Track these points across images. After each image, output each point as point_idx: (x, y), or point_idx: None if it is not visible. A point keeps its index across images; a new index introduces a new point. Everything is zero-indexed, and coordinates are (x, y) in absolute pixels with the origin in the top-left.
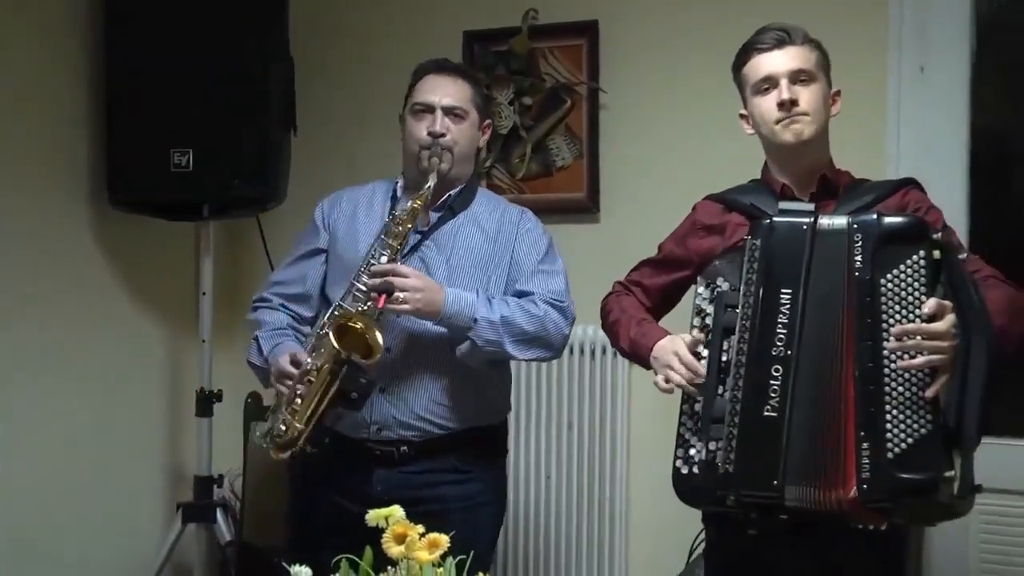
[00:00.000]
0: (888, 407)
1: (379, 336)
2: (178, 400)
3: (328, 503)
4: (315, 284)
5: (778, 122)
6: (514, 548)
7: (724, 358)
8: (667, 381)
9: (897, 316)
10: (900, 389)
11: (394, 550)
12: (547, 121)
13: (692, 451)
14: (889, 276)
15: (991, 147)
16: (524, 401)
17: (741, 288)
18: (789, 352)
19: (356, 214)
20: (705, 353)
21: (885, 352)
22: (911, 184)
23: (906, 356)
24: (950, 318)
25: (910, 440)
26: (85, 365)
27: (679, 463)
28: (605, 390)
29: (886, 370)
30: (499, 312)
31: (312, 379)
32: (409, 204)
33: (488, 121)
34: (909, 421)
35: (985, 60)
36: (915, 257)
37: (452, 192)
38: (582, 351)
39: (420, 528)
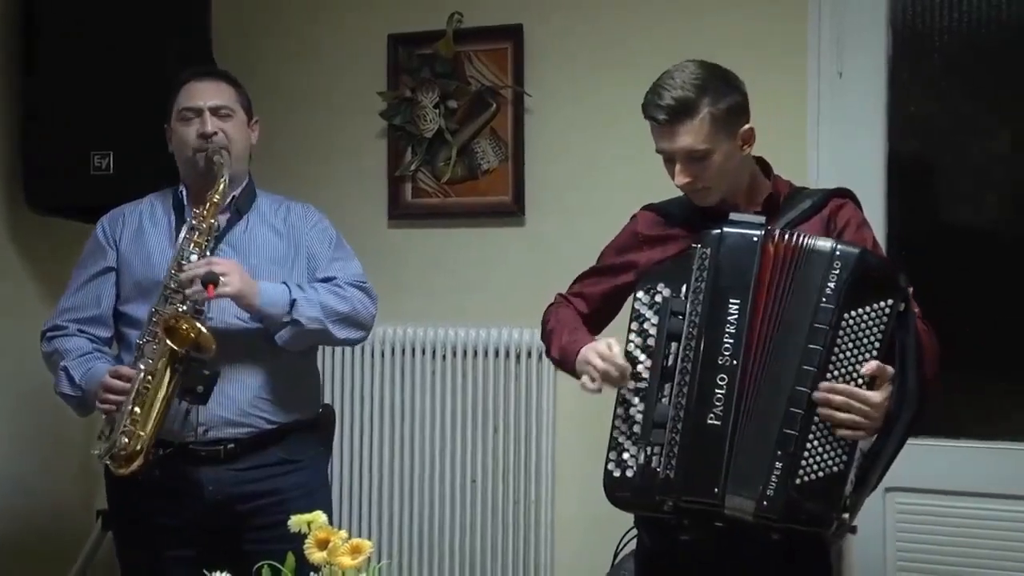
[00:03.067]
0: (811, 436)
1: (204, 329)
2: None
3: (155, 510)
4: (109, 304)
5: (682, 188)
6: (440, 551)
7: (668, 364)
8: (593, 381)
9: (848, 354)
10: (827, 424)
11: (316, 556)
12: (472, 124)
13: (626, 455)
14: (854, 313)
15: (908, 150)
16: (450, 405)
17: (688, 296)
18: (735, 362)
19: (142, 228)
20: (643, 358)
21: (824, 383)
22: (845, 196)
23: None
24: (887, 388)
25: (820, 473)
26: (1, 369)
27: (611, 466)
28: (531, 393)
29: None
30: (312, 296)
31: (148, 385)
32: (207, 202)
33: (256, 119)
34: (826, 456)
35: (901, 66)
36: (882, 304)
37: (234, 193)
38: (507, 355)
39: (343, 533)
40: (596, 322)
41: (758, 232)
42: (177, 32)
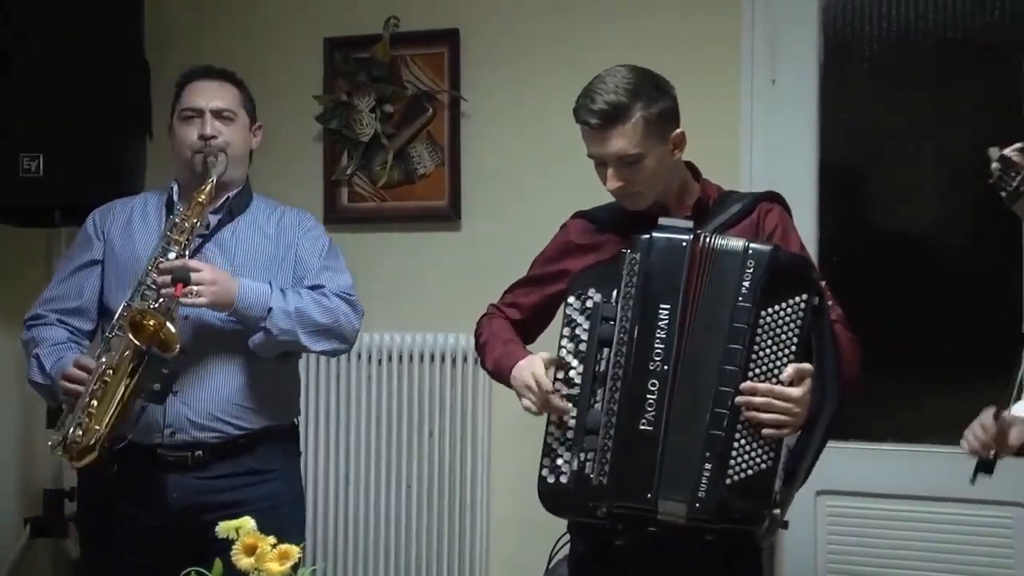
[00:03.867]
0: (738, 435)
1: (172, 327)
2: (29, 412)
3: (122, 515)
4: (92, 296)
5: (614, 193)
6: (375, 556)
7: (599, 369)
8: (532, 404)
9: (768, 351)
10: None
11: (243, 562)
12: (409, 129)
13: (560, 461)
14: (770, 310)
15: (839, 156)
16: (385, 410)
17: (619, 302)
18: (666, 367)
19: (131, 223)
20: (575, 364)
21: (745, 384)
22: (774, 200)
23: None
24: (807, 383)
25: (749, 471)
26: None
27: (545, 472)
28: (466, 398)
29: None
30: (293, 303)
31: (108, 379)
32: (192, 200)
33: (259, 124)
34: (753, 454)
35: (832, 73)
36: (797, 299)
37: (229, 195)
38: (443, 359)
39: (272, 539)
40: (530, 331)
41: (687, 237)
42: (109, 35)
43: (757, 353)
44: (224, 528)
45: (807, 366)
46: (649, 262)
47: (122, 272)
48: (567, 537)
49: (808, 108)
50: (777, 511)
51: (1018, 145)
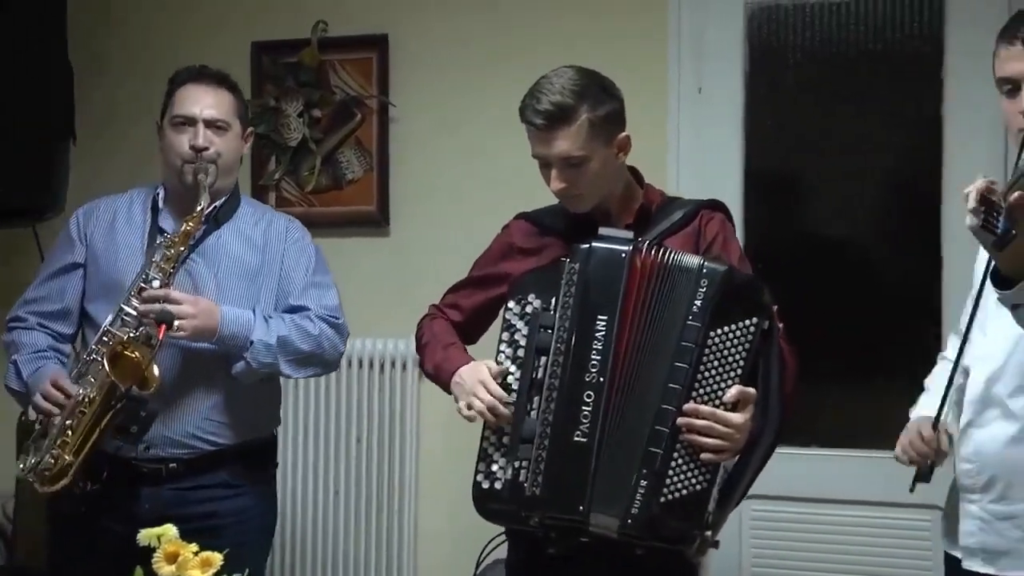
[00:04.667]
0: (676, 454)
1: (155, 369)
2: None
3: (92, 524)
4: (74, 300)
5: (557, 194)
6: (302, 564)
7: (537, 377)
8: (469, 408)
9: (714, 372)
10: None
11: (165, 570)
12: (337, 134)
13: (495, 467)
14: (719, 331)
15: (764, 163)
16: (312, 416)
17: (557, 310)
18: (602, 379)
19: (115, 225)
20: (513, 369)
21: (691, 402)
22: (716, 208)
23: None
24: (750, 409)
25: (684, 491)
26: None
27: (480, 477)
28: (394, 403)
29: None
30: (276, 333)
31: (84, 410)
32: (183, 227)
33: (250, 130)
34: (690, 474)
35: (758, 81)
36: (747, 322)
37: (217, 203)
38: (371, 365)
39: (194, 547)
40: (470, 332)
41: (626, 248)
42: (32, 38)
43: (703, 373)
44: (146, 536)
45: (751, 391)
46: (587, 271)
47: (104, 280)
48: (494, 544)
49: (734, 115)
50: (708, 532)
51: (986, 180)
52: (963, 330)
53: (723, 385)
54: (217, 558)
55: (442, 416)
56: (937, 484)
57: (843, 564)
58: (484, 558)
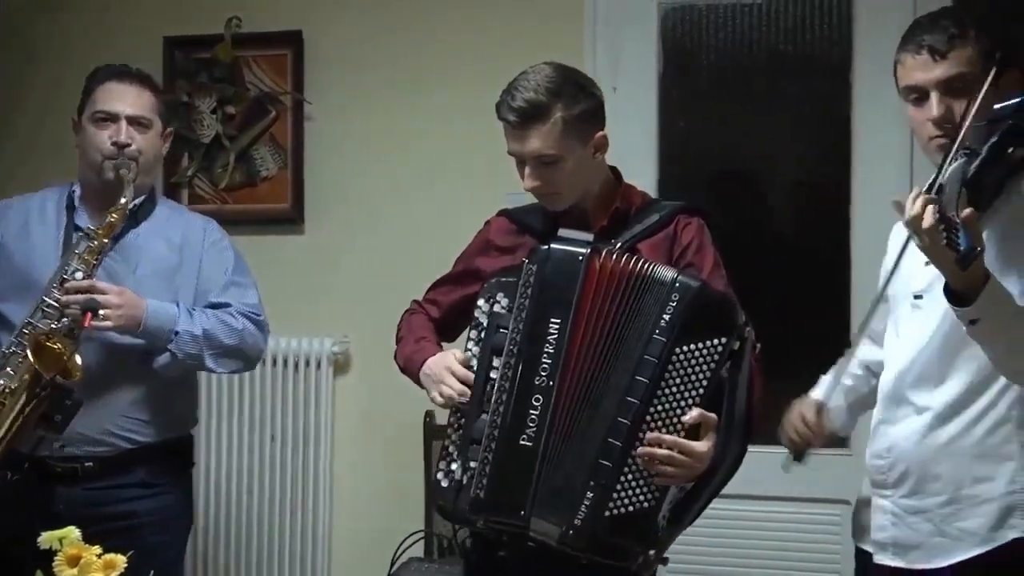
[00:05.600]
0: (627, 469)
1: (79, 358)
2: None
3: (5, 529)
4: None
5: (532, 192)
6: (215, 563)
7: (491, 379)
8: (441, 396)
9: (674, 390)
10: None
11: (66, 573)
12: (251, 131)
13: (453, 466)
14: (685, 348)
15: (678, 160)
16: (226, 415)
17: (513, 311)
18: (551, 383)
19: (28, 225)
20: (476, 368)
21: (648, 418)
22: (694, 214)
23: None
24: (712, 437)
25: (631, 508)
26: None
27: (440, 475)
28: (309, 402)
29: (639, 434)
30: (201, 325)
31: (4, 401)
32: (107, 219)
33: (169, 129)
34: (640, 491)
35: (671, 81)
36: (715, 341)
37: (136, 201)
38: (285, 363)
39: (97, 549)
40: (449, 328)
41: (584, 250)
42: None
43: (663, 390)
44: (47, 539)
45: (712, 417)
46: (544, 273)
47: (18, 279)
48: (409, 543)
49: (648, 114)
50: (653, 551)
51: (925, 196)
52: (879, 329)
53: (682, 404)
54: (120, 560)
55: (357, 415)
56: (844, 479)
57: (753, 559)
58: (398, 557)
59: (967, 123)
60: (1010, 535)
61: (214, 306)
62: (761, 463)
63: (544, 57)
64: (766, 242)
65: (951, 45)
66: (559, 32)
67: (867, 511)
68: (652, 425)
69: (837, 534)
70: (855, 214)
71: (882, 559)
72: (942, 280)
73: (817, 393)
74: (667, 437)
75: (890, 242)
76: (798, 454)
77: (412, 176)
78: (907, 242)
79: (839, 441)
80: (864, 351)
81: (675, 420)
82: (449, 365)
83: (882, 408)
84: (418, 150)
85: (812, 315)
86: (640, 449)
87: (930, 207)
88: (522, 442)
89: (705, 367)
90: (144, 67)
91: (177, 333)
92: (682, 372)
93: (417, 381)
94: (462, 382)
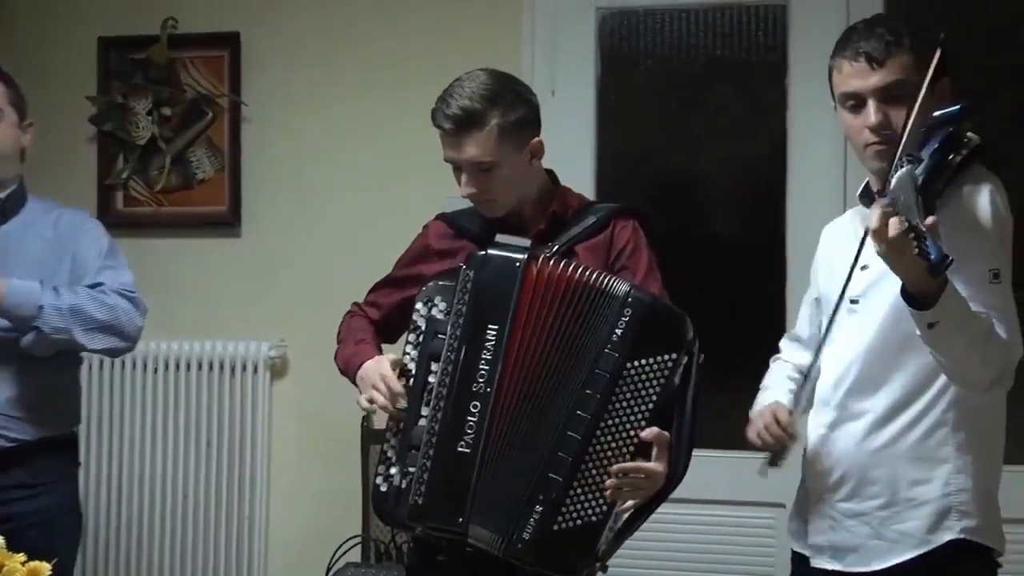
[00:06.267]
0: (576, 483)
1: None
2: None
3: None
4: None
5: (468, 199)
6: (149, 569)
7: (428, 384)
8: (371, 402)
9: (624, 405)
10: (593, 472)
11: None
12: (188, 133)
13: (392, 470)
14: (636, 363)
15: (616, 164)
16: (161, 419)
17: (451, 317)
18: (489, 390)
19: None
20: (415, 372)
21: (598, 433)
22: (631, 216)
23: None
24: (665, 454)
25: (579, 522)
26: None
27: (379, 480)
28: (246, 406)
29: (589, 449)
30: (68, 300)
31: None
32: None
33: (29, 121)
34: (587, 505)
35: (609, 86)
36: (665, 357)
37: (1, 195)
38: (222, 367)
39: (21, 556)
40: (389, 331)
41: (521, 256)
42: None
43: (614, 405)
44: None
45: (666, 435)
46: (481, 279)
47: None
48: (345, 548)
49: (586, 118)
50: (596, 564)
51: (897, 213)
52: (821, 332)
53: (632, 419)
54: (45, 567)
55: (294, 419)
56: (781, 482)
57: (689, 562)
58: (335, 561)
59: (908, 130)
60: (946, 536)
61: (87, 287)
62: (696, 466)
63: (483, 61)
64: (703, 244)
65: (888, 53)
66: (497, 36)
67: (804, 515)
68: (602, 440)
69: (772, 537)
70: (791, 216)
71: (819, 563)
72: (879, 286)
73: (784, 399)
74: (628, 465)
75: (821, 242)
76: (775, 458)
77: (350, 179)
78: (861, 248)
79: None
80: (796, 356)
81: (625, 435)
82: (383, 372)
83: (819, 412)
84: (356, 153)
85: (748, 316)
86: (608, 482)
87: (895, 217)
88: (460, 449)
89: (655, 382)
90: (78, 68)
91: (42, 308)
92: (632, 387)
93: (355, 383)
94: (392, 391)
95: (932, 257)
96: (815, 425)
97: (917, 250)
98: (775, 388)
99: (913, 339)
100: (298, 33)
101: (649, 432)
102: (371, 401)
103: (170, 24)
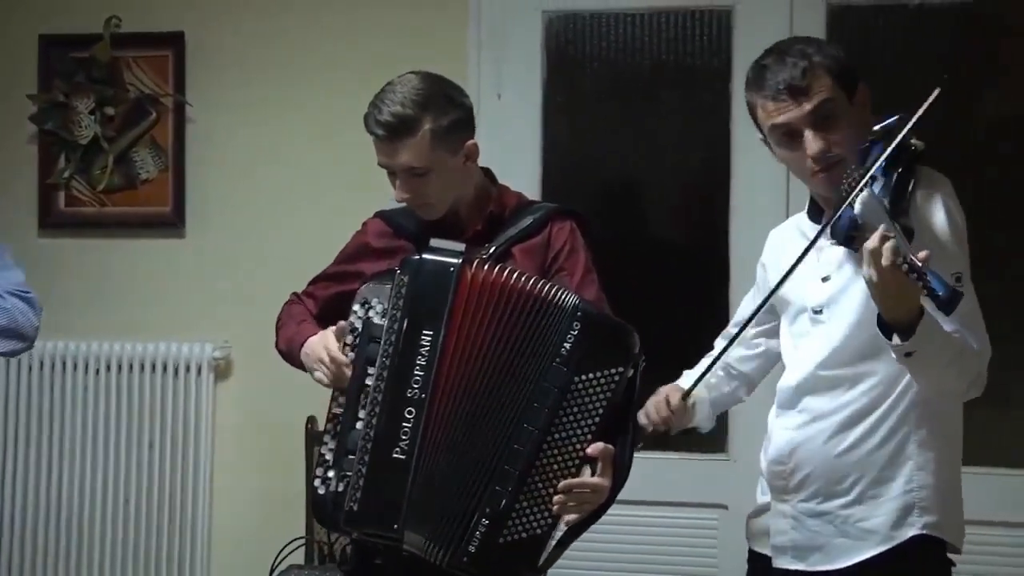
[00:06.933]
0: (522, 497)
1: None
2: None
3: None
4: None
5: (404, 203)
6: (89, 572)
7: (364, 388)
8: (326, 377)
9: (572, 418)
10: (539, 486)
11: None
12: (131, 132)
13: (330, 473)
14: (584, 377)
15: (562, 167)
16: (103, 421)
17: (386, 321)
18: (424, 395)
19: None
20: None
21: (545, 446)
22: (568, 216)
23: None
24: (610, 468)
25: (524, 534)
26: None
27: (317, 482)
28: (189, 408)
29: (536, 463)
30: None
31: None
32: None
33: None
34: (533, 518)
35: (555, 88)
36: (613, 371)
37: None
38: (165, 369)
39: None
40: (325, 323)
41: (455, 260)
42: None
43: (561, 419)
44: None
45: (611, 450)
46: (416, 284)
47: None
48: (288, 550)
49: (533, 121)
50: (540, 573)
51: (891, 239)
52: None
53: (579, 432)
54: None
55: (238, 421)
56: (724, 484)
57: (632, 563)
58: (278, 564)
59: (848, 151)
60: (909, 532)
61: None
62: (641, 468)
63: (429, 63)
64: (647, 246)
65: (807, 78)
66: (444, 39)
67: (764, 516)
68: (549, 454)
69: (714, 538)
70: (734, 220)
71: (781, 563)
72: (845, 295)
73: (684, 382)
74: (574, 481)
75: (767, 247)
76: (654, 437)
77: (295, 179)
78: (803, 255)
79: (717, 446)
80: (728, 353)
81: (571, 449)
82: (327, 344)
83: (780, 414)
84: (301, 153)
85: (691, 318)
86: (556, 498)
87: (888, 245)
88: (395, 455)
89: (602, 396)
90: (19, 66)
91: None
92: (580, 401)
93: (299, 364)
94: (337, 362)
95: (941, 294)
96: (779, 428)
97: (924, 289)
98: (690, 373)
99: (877, 345)
100: (243, 33)
101: (595, 448)
102: (325, 376)
103: (113, 22)
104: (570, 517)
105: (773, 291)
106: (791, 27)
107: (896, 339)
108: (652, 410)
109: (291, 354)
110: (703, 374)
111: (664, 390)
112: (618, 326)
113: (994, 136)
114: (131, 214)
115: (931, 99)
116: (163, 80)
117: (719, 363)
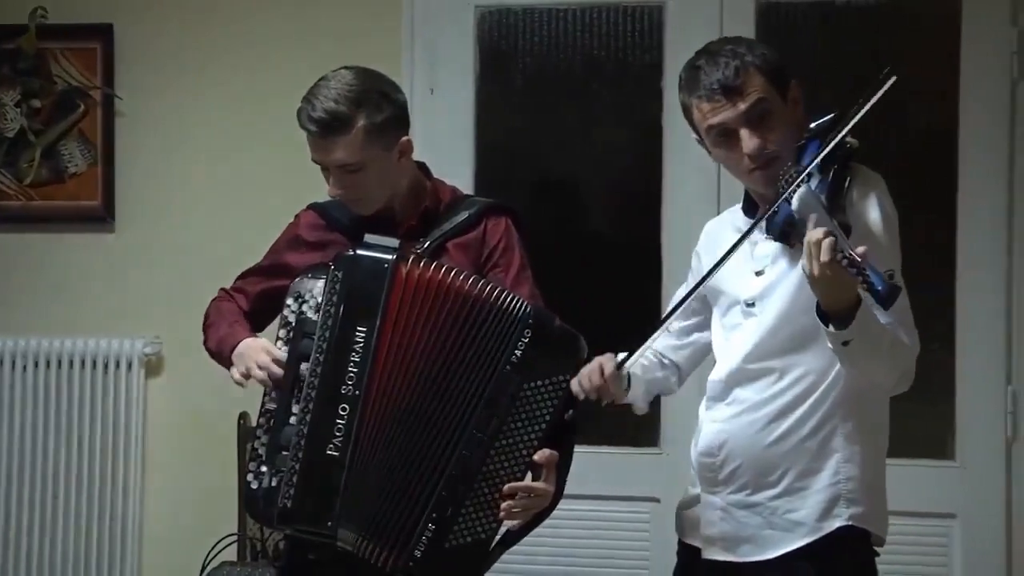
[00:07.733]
0: (467, 502)
1: None
2: None
3: None
4: None
5: (337, 199)
6: (16, 570)
7: (298, 383)
8: (245, 377)
9: (519, 425)
10: (485, 491)
11: None
12: (59, 125)
13: (263, 468)
14: (533, 384)
15: (495, 162)
16: (31, 417)
17: (319, 318)
18: (357, 392)
19: None
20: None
21: (492, 453)
22: (503, 212)
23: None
24: (553, 474)
25: (469, 539)
26: None
27: (250, 477)
28: (119, 404)
29: (483, 468)
30: None
31: None
32: None
33: None
34: (477, 523)
35: (488, 83)
36: (560, 378)
37: None
38: (94, 364)
39: None
40: (256, 319)
41: (389, 257)
42: None
43: (509, 425)
44: None
45: (555, 455)
46: (350, 280)
47: None
48: (220, 547)
49: (465, 116)
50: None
51: (830, 237)
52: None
53: (526, 439)
54: None
55: (169, 417)
56: (656, 477)
57: (564, 556)
58: (210, 560)
59: (784, 148)
60: (835, 524)
61: None
62: (573, 462)
63: (363, 58)
64: (580, 241)
65: (740, 77)
66: (377, 34)
67: (695, 507)
68: (496, 460)
69: (646, 531)
70: (666, 214)
71: (711, 554)
72: (778, 289)
73: (621, 354)
74: (519, 485)
75: (702, 240)
76: (583, 408)
77: (227, 174)
78: (733, 249)
79: (649, 440)
80: (659, 341)
81: (518, 455)
82: (268, 348)
83: (710, 406)
84: (232, 148)
85: (624, 313)
86: (504, 504)
87: (827, 241)
88: (328, 452)
89: (549, 402)
90: None
91: None
92: (528, 408)
93: (226, 362)
94: (275, 358)
95: (880, 289)
96: (709, 420)
97: (863, 284)
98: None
99: (807, 337)
100: (173, 26)
101: (541, 455)
102: (246, 376)
103: (39, 14)
104: (514, 522)
105: (706, 277)
106: (721, 23)
107: (832, 328)
108: (585, 378)
109: (220, 354)
110: (640, 348)
111: (599, 359)
112: (568, 334)
113: (919, 134)
114: (59, 208)
115: (878, 94)
116: (91, 73)
117: (650, 351)
